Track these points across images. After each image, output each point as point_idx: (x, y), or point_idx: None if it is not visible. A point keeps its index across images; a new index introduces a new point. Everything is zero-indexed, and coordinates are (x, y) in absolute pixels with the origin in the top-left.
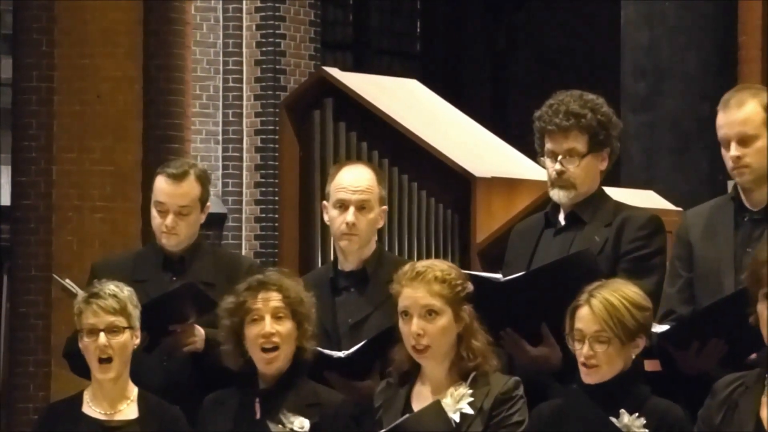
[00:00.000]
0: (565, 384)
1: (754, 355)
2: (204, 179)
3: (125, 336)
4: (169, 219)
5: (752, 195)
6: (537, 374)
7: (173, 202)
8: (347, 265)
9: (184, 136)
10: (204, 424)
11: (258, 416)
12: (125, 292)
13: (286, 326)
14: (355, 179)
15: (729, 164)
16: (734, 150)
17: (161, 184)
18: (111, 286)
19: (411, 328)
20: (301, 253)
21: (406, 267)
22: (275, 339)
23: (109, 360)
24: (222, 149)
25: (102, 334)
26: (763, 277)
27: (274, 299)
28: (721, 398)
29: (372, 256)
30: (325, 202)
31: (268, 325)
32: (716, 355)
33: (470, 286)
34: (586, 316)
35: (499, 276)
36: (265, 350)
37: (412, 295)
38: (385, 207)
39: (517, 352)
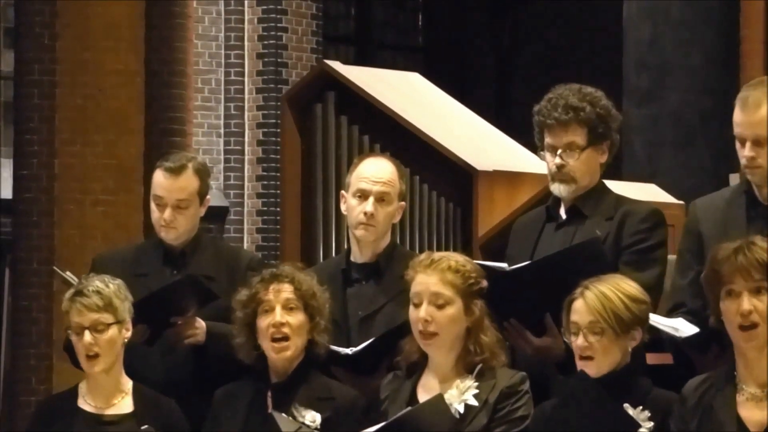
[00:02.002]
0: (569, 376)
1: None
2: (203, 172)
3: (111, 332)
4: (167, 213)
5: (764, 189)
6: (541, 367)
7: (171, 195)
8: (360, 257)
9: (186, 129)
10: (216, 417)
11: (270, 410)
12: (111, 286)
13: (297, 318)
14: (377, 171)
15: (742, 161)
16: (749, 150)
17: (159, 178)
18: (96, 282)
19: (419, 313)
20: (303, 247)
21: (423, 255)
22: (285, 329)
23: (95, 356)
24: (224, 142)
25: (87, 332)
26: (725, 275)
27: (286, 291)
28: (692, 403)
29: (386, 249)
30: (343, 192)
31: (279, 315)
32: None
33: (484, 283)
34: (580, 308)
35: (504, 265)
36: (275, 339)
37: (424, 281)
38: (404, 203)
39: (520, 342)
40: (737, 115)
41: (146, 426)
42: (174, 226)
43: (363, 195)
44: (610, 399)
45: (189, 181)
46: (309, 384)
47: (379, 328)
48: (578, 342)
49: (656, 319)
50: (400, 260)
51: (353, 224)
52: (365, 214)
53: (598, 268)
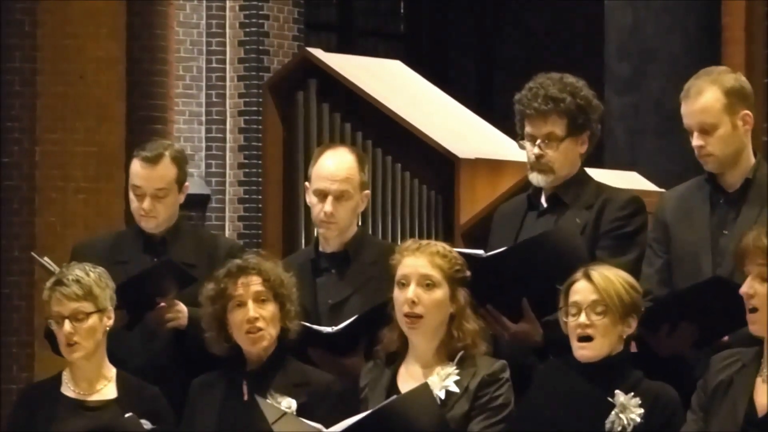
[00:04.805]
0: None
1: (726, 338)
2: (180, 160)
3: (92, 320)
4: (146, 202)
5: (724, 177)
6: (523, 357)
7: (149, 185)
8: (328, 247)
9: (168, 116)
10: (192, 407)
11: (246, 398)
12: (91, 275)
13: (269, 309)
14: (334, 168)
15: (696, 152)
16: (696, 140)
17: (136, 167)
18: (76, 271)
19: (406, 294)
20: (285, 234)
21: (408, 241)
22: (259, 323)
23: (75, 344)
24: (205, 130)
25: (66, 322)
26: (739, 258)
27: (255, 283)
28: (716, 370)
29: (353, 238)
30: (306, 184)
31: (252, 310)
32: (687, 337)
33: (468, 272)
34: (584, 288)
35: (480, 252)
36: (250, 332)
37: (413, 263)
38: (368, 192)
39: (497, 328)
40: (682, 108)
41: (130, 414)
42: (153, 215)
43: (322, 194)
44: (582, 381)
45: (166, 169)
46: (284, 370)
47: (348, 315)
48: (579, 320)
49: None
50: (368, 247)
51: (315, 222)
52: (325, 213)
53: (573, 254)
